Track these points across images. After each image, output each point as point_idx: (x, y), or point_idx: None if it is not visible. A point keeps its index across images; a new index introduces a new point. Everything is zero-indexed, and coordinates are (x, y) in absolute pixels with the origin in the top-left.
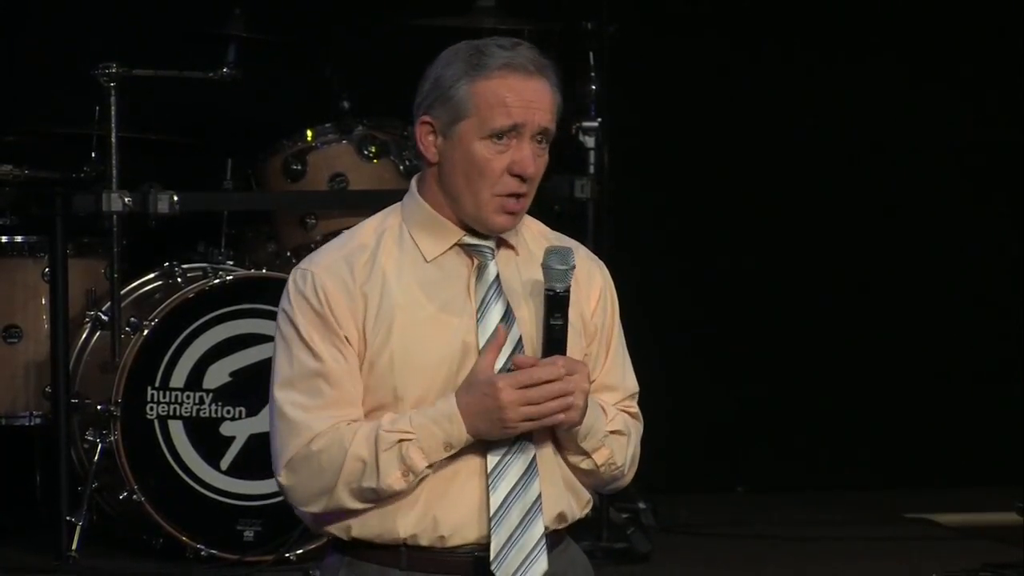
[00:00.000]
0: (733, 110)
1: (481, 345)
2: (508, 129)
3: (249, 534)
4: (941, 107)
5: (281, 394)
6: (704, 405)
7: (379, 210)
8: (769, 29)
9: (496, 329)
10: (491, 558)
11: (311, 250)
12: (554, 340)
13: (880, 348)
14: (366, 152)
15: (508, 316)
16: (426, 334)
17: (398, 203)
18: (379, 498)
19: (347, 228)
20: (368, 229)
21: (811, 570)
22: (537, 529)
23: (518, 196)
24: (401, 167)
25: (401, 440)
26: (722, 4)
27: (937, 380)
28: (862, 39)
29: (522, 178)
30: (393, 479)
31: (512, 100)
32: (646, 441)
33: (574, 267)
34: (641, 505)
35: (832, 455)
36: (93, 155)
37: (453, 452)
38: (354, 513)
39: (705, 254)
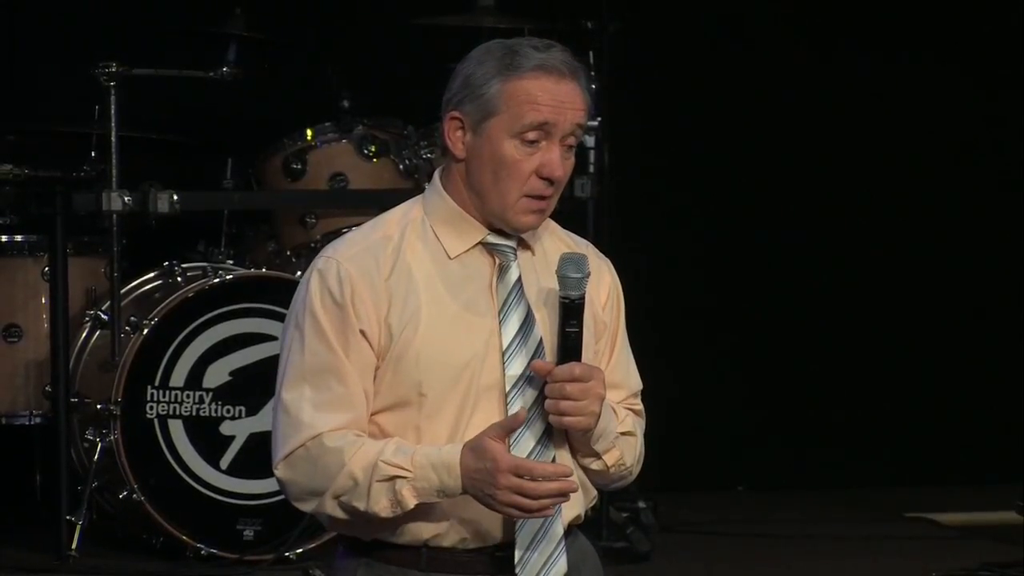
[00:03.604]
0: (734, 109)
1: (504, 346)
2: (538, 125)
3: (249, 533)
4: (945, 106)
5: (288, 385)
6: (704, 404)
7: (380, 209)
8: (769, 27)
9: (516, 413)
10: (516, 561)
11: (311, 249)
12: (570, 347)
13: (880, 347)
14: (366, 151)
15: (529, 319)
16: (451, 333)
17: (419, 195)
18: (364, 518)
19: (347, 227)
20: (391, 222)
21: (811, 569)
22: (557, 531)
23: (543, 197)
24: (401, 166)
25: (396, 476)
26: (722, 2)
27: (937, 380)
28: (861, 37)
29: (549, 180)
30: (380, 508)
31: (544, 99)
32: (648, 439)
33: (589, 275)
34: (641, 504)
35: (832, 454)
36: (93, 154)
37: (445, 499)
38: (340, 521)
39: (705, 253)
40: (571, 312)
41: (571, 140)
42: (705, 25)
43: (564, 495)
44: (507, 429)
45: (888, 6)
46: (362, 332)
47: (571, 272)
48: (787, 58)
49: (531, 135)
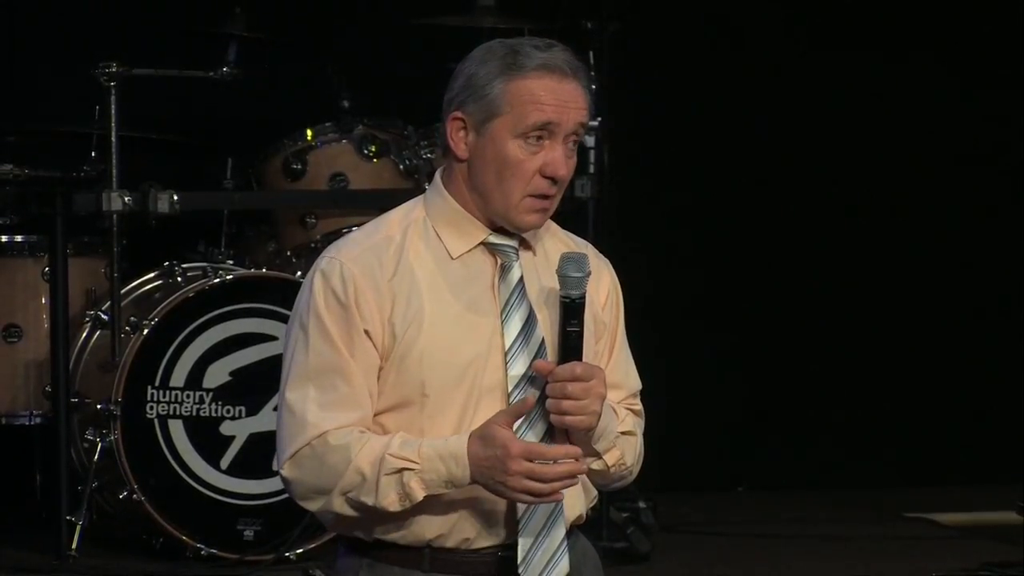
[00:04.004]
0: (734, 109)
1: (507, 346)
2: (542, 125)
3: (249, 533)
4: (945, 107)
5: (293, 385)
6: (705, 404)
7: (380, 210)
8: (769, 27)
9: (525, 398)
10: (519, 561)
11: (311, 249)
12: (571, 347)
13: (880, 348)
14: (366, 151)
15: (531, 319)
16: (455, 332)
17: (421, 196)
18: (372, 513)
19: (347, 228)
20: (393, 222)
21: (811, 569)
22: (560, 531)
23: (547, 196)
24: (401, 166)
25: (404, 469)
26: (722, 3)
27: (937, 380)
28: (861, 38)
29: (553, 180)
30: (389, 502)
31: (547, 99)
32: (647, 440)
33: (590, 274)
34: (641, 504)
35: (832, 454)
36: (93, 154)
37: (454, 490)
38: (346, 519)
39: (705, 253)
40: (572, 311)
41: (573, 139)
42: (705, 25)
43: (574, 477)
44: (514, 415)
45: (888, 7)
46: (366, 332)
47: (572, 271)
48: (787, 58)
49: (535, 135)
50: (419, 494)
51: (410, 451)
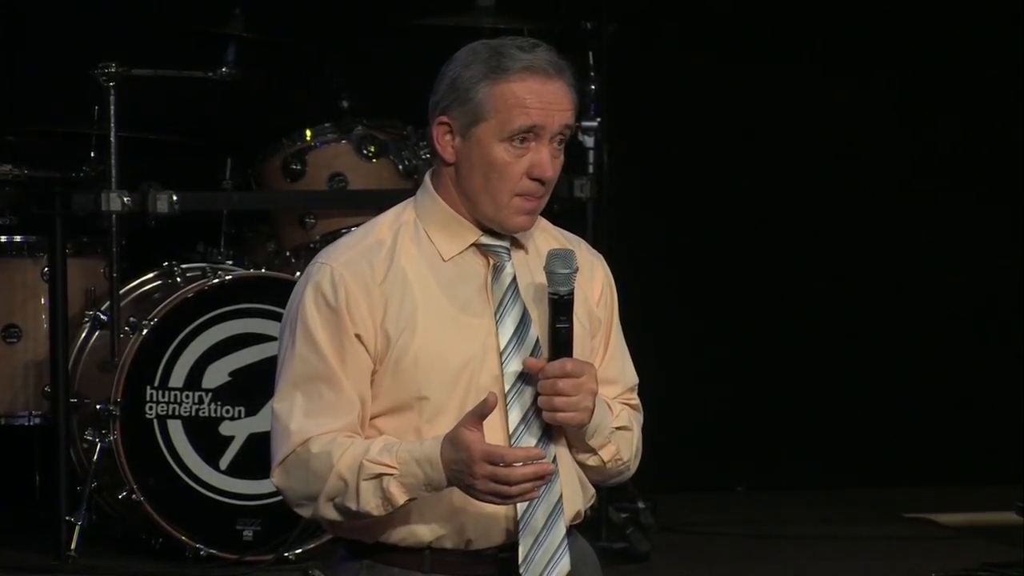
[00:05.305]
0: (732, 110)
1: (502, 347)
2: (528, 129)
3: (248, 534)
4: (942, 109)
5: (281, 394)
6: (703, 404)
7: (379, 210)
8: (767, 30)
9: (486, 398)
10: (520, 561)
11: (311, 250)
12: (560, 343)
13: (880, 348)
14: (365, 152)
15: (525, 318)
16: (449, 335)
17: (411, 199)
18: (360, 518)
19: (346, 228)
20: (383, 225)
21: (811, 570)
22: (560, 529)
23: (535, 197)
24: (400, 167)
25: (382, 474)
26: (721, 5)
27: (936, 380)
28: (860, 41)
29: (540, 181)
30: (372, 507)
31: (532, 102)
32: (646, 440)
33: (577, 270)
34: (640, 504)
35: (832, 454)
36: (92, 155)
37: (434, 492)
38: (340, 524)
39: (704, 253)
40: (560, 308)
41: (559, 139)
42: (704, 25)
43: (542, 478)
44: (480, 415)
45: (887, 9)
46: (357, 336)
47: (559, 268)
48: (786, 59)
49: (520, 137)
50: (400, 499)
51: (388, 456)
